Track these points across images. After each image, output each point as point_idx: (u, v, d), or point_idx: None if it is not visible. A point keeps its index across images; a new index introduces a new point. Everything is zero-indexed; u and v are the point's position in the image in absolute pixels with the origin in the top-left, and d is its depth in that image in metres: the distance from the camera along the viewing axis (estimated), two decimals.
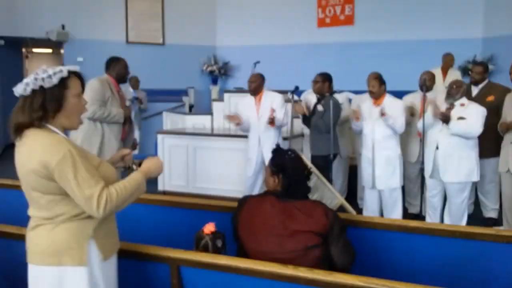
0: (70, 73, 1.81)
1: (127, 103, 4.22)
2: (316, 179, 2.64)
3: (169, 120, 7.22)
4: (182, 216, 2.72)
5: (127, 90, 7.95)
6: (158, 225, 2.57)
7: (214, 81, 9.73)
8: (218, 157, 5.71)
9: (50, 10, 8.42)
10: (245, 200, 2.29)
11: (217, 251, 2.07)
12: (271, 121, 4.67)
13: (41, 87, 1.73)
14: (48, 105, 1.75)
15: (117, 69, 4.14)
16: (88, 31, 8.59)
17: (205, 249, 2.07)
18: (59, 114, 1.78)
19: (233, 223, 2.24)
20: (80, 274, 1.76)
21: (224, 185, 5.62)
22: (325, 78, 4.80)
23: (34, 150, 1.71)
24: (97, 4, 8.70)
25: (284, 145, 5.08)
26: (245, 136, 5.20)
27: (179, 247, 2.07)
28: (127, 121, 4.17)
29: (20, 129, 1.75)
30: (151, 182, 6.04)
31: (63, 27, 8.40)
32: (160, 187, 6.02)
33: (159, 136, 6.09)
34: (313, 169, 2.63)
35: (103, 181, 1.75)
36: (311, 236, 2.05)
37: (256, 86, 4.93)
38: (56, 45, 9.24)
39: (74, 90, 1.82)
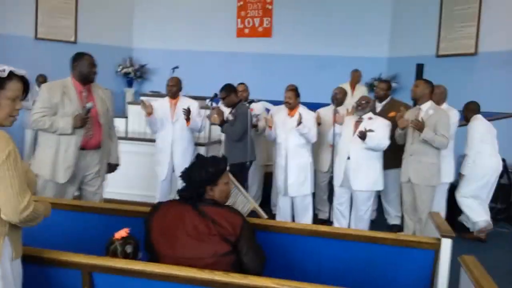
0: (13, 75, 1.75)
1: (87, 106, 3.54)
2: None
3: None
4: (93, 222, 2.62)
5: (33, 90, 7.45)
6: (69, 231, 2.46)
7: (129, 84, 9.46)
8: (132, 161, 5.54)
9: None
10: (158, 206, 2.28)
11: (127, 257, 2.03)
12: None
13: None
14: None
15: (79, 68, 3.53)
16: None
17: (114, 255, 2.03)
18: None
19: (145, 229, 2.20)
20: None
21: (137, 190, 5.46)
22: (229, 90, 4.83)
23: None
24: None
25: (200, 151, 5.09)
26: (154, 140, 5.14)
27: (91, 253, 2.00)
28: (83, 128, 3.52)
29: None
30: None
31: None
32: None
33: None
34: (229, 176, 2.65)
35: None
36: (221, 243, 2.06)
37: (176, 90, 4.91)
38: None
39: (10, 93, 1.75)
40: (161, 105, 4.94)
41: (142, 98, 5.06)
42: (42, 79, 7.49)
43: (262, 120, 5.37)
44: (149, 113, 4.75)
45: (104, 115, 3.67)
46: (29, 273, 1.90)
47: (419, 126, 4.22)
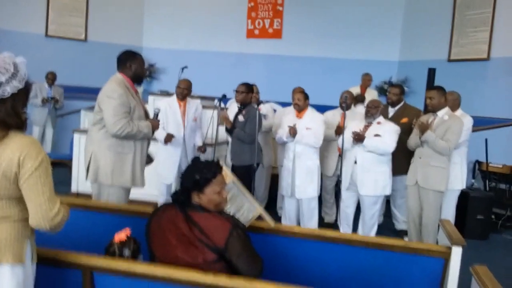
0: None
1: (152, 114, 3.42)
2: (235, 190, 2.57)
3: (87, 119, 6.86)
4: (96, 220, 2.60)
5: (42, 87, 7.48)
6: (71, 230, 2.42)
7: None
8: None
9: None
10: (159, 208, 2.24)
11: (125, 259, 1.99)
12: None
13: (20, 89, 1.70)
14: (21, 106, 1.74)
15: (134, 67, 3.32)
16: (3, 20, 7.96)
17: (112, 257, 2.01)
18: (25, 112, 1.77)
19: (146, 231, 2.16)
20: (17, 272, 1.72)
21: (142, 189, 5.41)
22: (249, 89, 4.76)
23: (10, 149, 1.65)
24: None
25: (208, 152, 5.05)
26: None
27: (93, 252, 1.96)
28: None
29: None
30: (64, 183, 5.80)
31: None
32: (74, 189, 5.69)
33: (76, 135, 5.76)
34: (235, 180, 2.55)
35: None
36: (208, 252, 1.99)
37: (187, 93, 4.88)
38: None
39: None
40: (169, 106, 4.86)
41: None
42: (51, 76, 7.55)
43: (270, 120, 5.32)
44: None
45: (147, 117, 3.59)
46: None
47: (423, 128, 4.15)
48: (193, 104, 4.92)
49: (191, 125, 4.87)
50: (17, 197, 1.71)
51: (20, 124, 1.71)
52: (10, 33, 7.88)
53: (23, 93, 1.74)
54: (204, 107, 5.35)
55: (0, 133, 1.66)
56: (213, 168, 2.14)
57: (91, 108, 7.62)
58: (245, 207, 2.50)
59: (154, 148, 5.10)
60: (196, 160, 2.21)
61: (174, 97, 4.91)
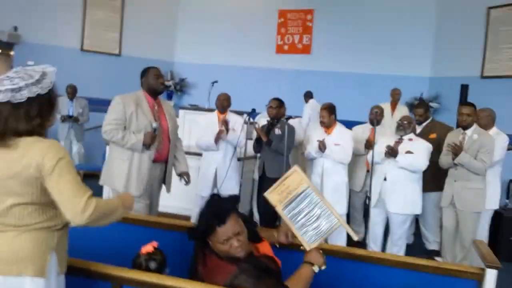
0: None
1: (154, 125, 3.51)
2: (312, 196, 2.16)
3: None
4: (124, 232, 2.63)
5: (64, 101, 7.32)
6: (103, 241, 2.47)
7: (169, 97, 9.64)
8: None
9: (3, 10, 8.08)
10: None
11: (150, 272, 1.99)
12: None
13: (38, 94, 1.70)
14: (45, 112, 1.74)
15: (146, 82, 3.61)
16: (41, 35, 8.29)
17: (138, 270, 2.00)
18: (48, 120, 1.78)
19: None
20: (38, 286, 1.69)
21: (177, 202, 5.46)
22: (281, 104, 4.88)
23: (30, 154, 1.65)
24: (52, 9, 8.44)
25: (239, 166, 5.09)
26: (200, 154, 5.14)
27: (121, 265, 1.99)
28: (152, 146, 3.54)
29: (11, 137, 1.68)
30: (95, 195, 5.87)
31: (15, 28, 8.07)
32: None
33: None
34: (312, 186, 2.20)
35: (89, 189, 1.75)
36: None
37: (227, 105, 5.00)
38: (6, 46, 8.84)
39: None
40: (209, 119, 5.02)
41: (225, 119, 5.00)
42: (71, 90, 7.43)
43: (299, 135, 5.32)
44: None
45: (173, 130, 3.72)
46: None
47: (456, 150, 4.08)
48: (233, 118, 5.02)
49: (231, 137, 4.92)
50: (42, 203, 1.71)
51: (31, 131, 1.69)
52: (46, 47, 8.18)
53: (45, 100, 1.73)
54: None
55: (10, 139, 1.66)
56: (222, 214, 1.95)
57: None
58: (322, 217, 2.13)
59: (195, 163, 5.17)
60: (208, 203, 2.07)
61: (215, 112, 5.06)
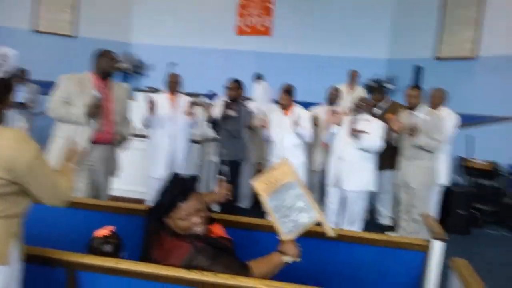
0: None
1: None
2: (297, 190, 2.18)
3: None
4: (80, 218, 2.59)
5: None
6: (55, 227, 2.43)
7: (125, 79, 9.40)
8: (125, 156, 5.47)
9: None
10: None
11: (105, 256, 1.97)
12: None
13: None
14: (2, 96, 1.69)
15: (99, 64, 3.59)
16: None
17: (92, 253, 1.99)
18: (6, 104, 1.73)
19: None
20: (2, 274, 1.67)
21: (129, 186, 5.38)
22: (239, 85, 4.87)
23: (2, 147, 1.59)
24: None
25: (195, 149, 5.07)
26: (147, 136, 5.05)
27: (77, 250, 1.97)
28: (95, 120, 3.49)
29: None
30: None
31: None
32: None
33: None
34: (299, 180, 2.21)
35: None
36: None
37: (176, 86, 4.89)
38: None
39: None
40: (159, 100, 4.89)
41: (150, 94, 4.91)
42: (21, 74, 6.91)
43: (257, 118, 5.35)
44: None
45: (118, 113, 3.66)
46: None
47: (415, 133, 4.24)
48: (184, 98, 4.93)
49: (182, 120, 4.86)
50: (6, 192, 1.65)
51: None
52: None
53: (2, 84, 1.69)
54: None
55: None
56: (185, 190, 2.00)
57: None
58: (304, 210, 2.15)
59: (142, 145, 5.10)
60: (171, 181, 2.08)
61: (165, 93, 4.96)
